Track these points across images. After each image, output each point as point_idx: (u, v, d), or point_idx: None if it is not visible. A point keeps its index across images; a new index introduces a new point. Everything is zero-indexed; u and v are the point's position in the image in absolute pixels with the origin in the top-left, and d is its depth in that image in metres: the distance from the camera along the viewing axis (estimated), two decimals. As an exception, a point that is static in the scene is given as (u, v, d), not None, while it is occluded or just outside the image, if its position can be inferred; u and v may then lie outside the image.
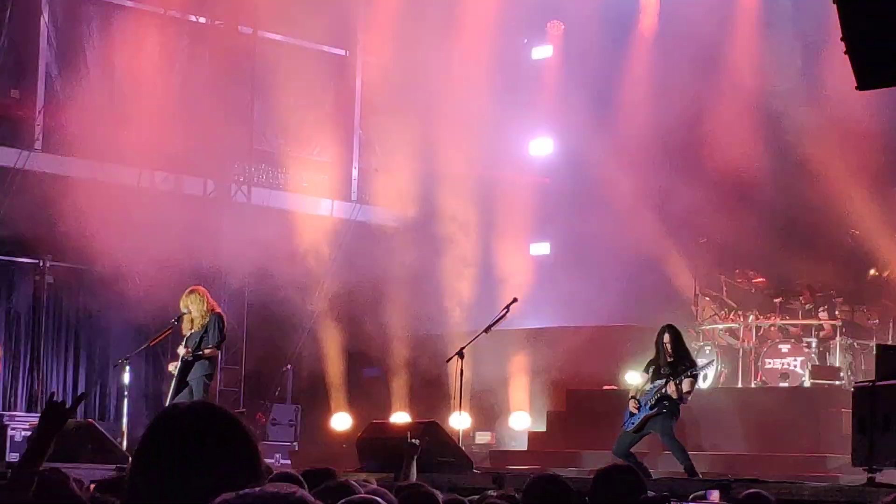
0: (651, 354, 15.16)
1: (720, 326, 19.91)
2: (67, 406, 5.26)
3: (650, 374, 14.95)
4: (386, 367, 21.93)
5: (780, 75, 21.14)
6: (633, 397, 15.00)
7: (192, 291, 16.09)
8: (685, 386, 14.66)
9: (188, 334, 15.83)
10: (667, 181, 21.25)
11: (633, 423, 14.83)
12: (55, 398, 5.29)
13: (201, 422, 2.96)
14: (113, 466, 13.09)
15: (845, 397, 15.93)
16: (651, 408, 14.69)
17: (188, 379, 15.70)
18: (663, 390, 14.64)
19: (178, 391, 15.76)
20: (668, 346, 14.87)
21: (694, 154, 21.37)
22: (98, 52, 21.17)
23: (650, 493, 5.52)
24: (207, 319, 15.84)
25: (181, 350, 15.80)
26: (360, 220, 23.81)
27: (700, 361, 14.85)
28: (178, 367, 15.74)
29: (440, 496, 6.58)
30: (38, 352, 21.41)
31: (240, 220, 22.16)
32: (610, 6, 23.19)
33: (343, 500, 5.25)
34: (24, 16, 21.08)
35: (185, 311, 15.89)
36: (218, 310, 16.05)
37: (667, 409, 14.68)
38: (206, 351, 15.71)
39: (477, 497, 8.40)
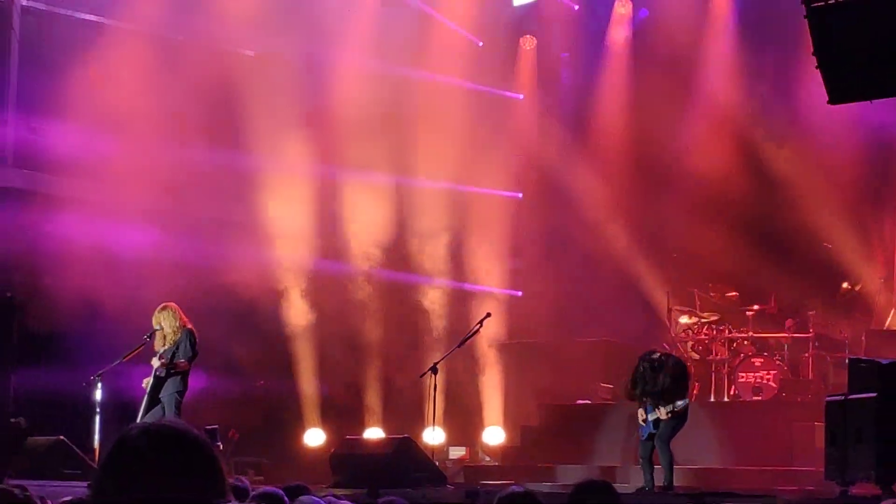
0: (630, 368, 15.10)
1: (692, 340, 19.95)
2: (24, 426, 5.25)
3: (638, 392, 14.87)
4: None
5: (753, 89, 21.21)
6: (639, 405, 14.90)
7: (164, 308, 16.08)
8: (663, 416, 14.66)
9: (160, 350, 15.80)
10: (639, 195, 21.30)
11: (643, 435, 14.82)
12: (11, 419, 5.29)
13: (159, 444, 2.93)
14: (85, 484, 13.03)
15: (818, 411, 15.97)
16: (654, 427, 14.69)
17: (160, 396, 15.66)
18: (657, 415, 14.66)
19: (149, 407, 15.73)
20: (648, 375, 14.80)
21: (667, 168, 21.43)
22: (70, 67, 21.07)
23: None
24: (179, 335, 15.82)
25: (155, 361, 15.75)
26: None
27: (678, 404, 14.75)
28: (150, 383, 15.70)
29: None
30: (9, 369, 21.26)
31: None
32: (580, 19, 23.27)
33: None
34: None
35: (157, 327, 15.87)
36: (190, 325, 16.02)
37: (673, 417, 14.65)
38: (179, 363, 15.69)
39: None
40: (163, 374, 15.69)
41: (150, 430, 2.99)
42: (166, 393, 15.65)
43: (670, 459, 14.58)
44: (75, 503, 6.64)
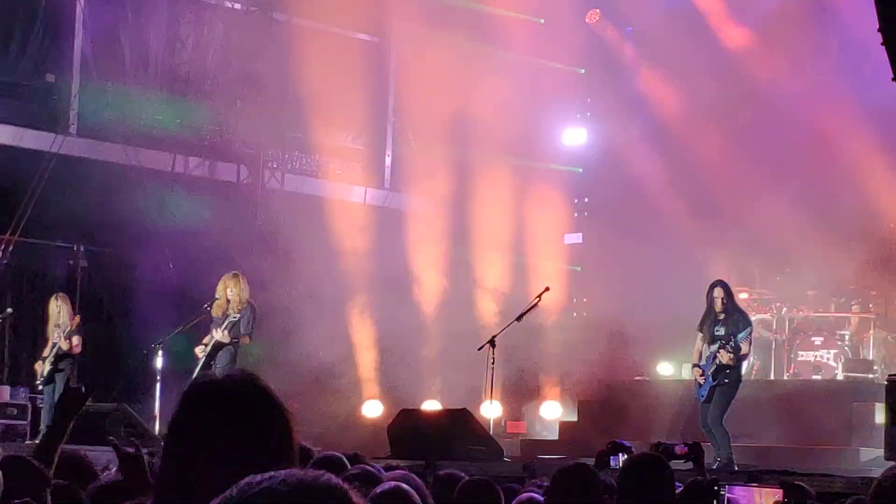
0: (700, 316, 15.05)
1: (753, 318, 19.83)
2: (84, 391, 5.29)
3: (704, 332, 14.86)
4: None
5: (817, 65, 20.99)
6: (695, 365, 14.90)
7: (235, 275, 16.21)
8: (743, 347, 14.58)
9: (218, 317, 15.90)
10: (701, 170, 21.16)
11: (703, 395, 14.77)
12: (70, 385, 5.34)
13: (237, 393, 2.88)
14: (145, 450, 13.13)
15: (878, 390, 15.85)
16: (713, 378, 14.63)
17: (216, 365, 15.77)
18: (717, 359, 14.55)
19: (202, 376, 15.85)
20: (718, 302, 14.78)
21: (730, 142, 21.26)
22: (133, 37, 21.20)
23: (698, 478, 5.49)
24: (244, 308, 15.93)
25: (217, 333, 15.86)
26: (392, 208, 23.81)
27: (740, 336, 14.72)
28: (207, 351, 15.81)
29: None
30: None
31: (273, 206, 22.24)
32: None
33: (376, 490, 5.25)
34: (60, 0, 21.17)
35: (218, 295, 15.96)
36: (253, 301, 16.14)
37: (728, 377, 14.61)
38: (243, 340, 15.83)
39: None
40: (227, 341, 15.80)
41: (232, 380, 2.95)
42: (220, 364, 15.75)
43: (726, 436, 14.52)
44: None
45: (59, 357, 17.33)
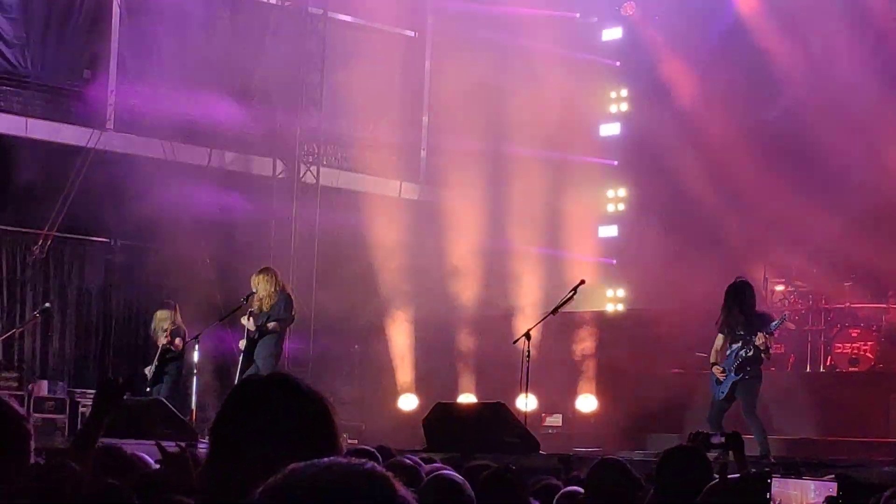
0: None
1: (788, 311, 19.76)
2: (122, 383, 5.32)
3: (726, 333, 14.84)
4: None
5: (861, 63, 20.82)
6: (714, 363, 14.88)
7: (261, 271, 16.23)
8: (760, 343, 14.53)
9: (256, 312, 15.94)
10: (737, 163, 21.08)
11: (723, 393, 14.73)
12: (109, 377, 5.36)
13: (281, 391, 2.96)
14: (183, 444, 13.19)
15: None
16: (736, 373, 14.60)
17: (255, 357, 15.81)
18: (742, 353, 14.54)
19: (244, 369, 15.88)
20: (738, 302, 14.75)
21: (764, 136, 21.20)
22: (169, 32, 21.28)
23: (752, 470, 5.49)
24: (276, 299, 15.96)
25: (245, 321, 15.91)
26: (428, 202, 23.84)
27: (773, 323, 14.72)
28: (245, 344, 15.87)
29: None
30: (109, 331, 21.62)
31: (309, 201, 22.31)
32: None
33: (430, 476, 5.29)
34: (97, -4, 21.30)
35: (254, 289, 16.02)
36: (288, 290, 16.15)
37: (750, 373, 14.58)
38: (270, 325, 15.80)
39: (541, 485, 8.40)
40: (255, 337, 15.84)
41: (273, 380, 3.02)
42: (262, 354, 15.80)
43: (761, 427, 14.49)
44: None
45: (165, 359, 17.45)
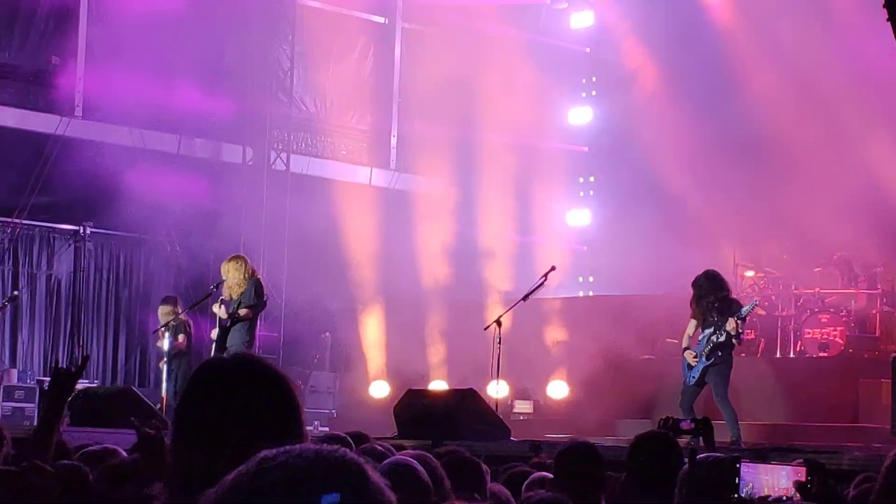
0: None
1: (759, 296, 19.82)
2: (73, 370, 5.30)
3: (698, 319, 14.86)
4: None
5: (824, 41, 20.90)
6: (686, 348, 14.90)
7: (232, 258, 16.16)
8: (731, 329, 14.54)
9: (227, 300, 15.89)
10: (707, 149, 21.12)
11: (694, 377, 14.75)
12: (59, 366, 5.32)
13: (244, 373, 2.94)
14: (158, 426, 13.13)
15: (885, 367, 15.85)
16: (707, 358, 14.62)
17: (227, 345, 15.76)
18: (713, 338, 14.56)
19: (217, 357, 15.85)
20: (709, 289, 14.78)
21: (733, 122, 21.23)
22: (137, 19, 21.18)
23: (720, 455, 5.49)
24: (246, 286, 15.91)
25: (216, 308, 15.87)
26: (398, 189, 23.82)
27: (744, 308, 14.75)
28: (217, 333, 15.83)
29: (480, 462, 6.59)
30: (79, 318, 21.55)
31: (279, 187, 22.26)
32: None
33: (386, 462, 5.28)
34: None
35: (224, 277, 15.97)
36: (257, 276, 16.10)
37: (721, 358, 14.61)
38: (241, 312, 15.75)
39: (509, 472, 8.39)
40: (227, 324, 15.80)
41: (237, 360, 3.00)
42: (234, 342, 15.74)
43: (733, 413, 14.53)
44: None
45: (171, 356, 17.37)
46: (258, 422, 2.84)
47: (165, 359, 17.29)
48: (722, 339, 14.54)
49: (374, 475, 2.02)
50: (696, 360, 14.68)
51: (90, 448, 6.56)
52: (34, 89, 21.12)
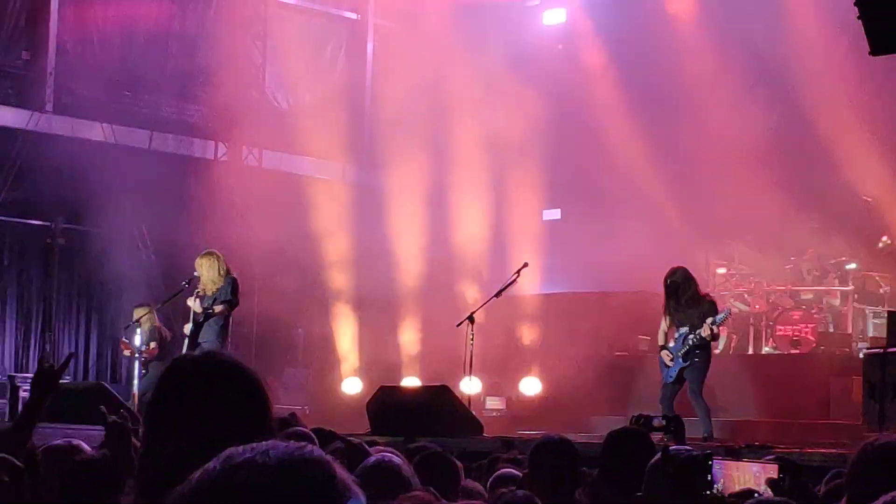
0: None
1: (730, 293, 19.87)
2: (56, 368, 5.29)
3: (671, 315, 14.82)
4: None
5: (792, 41, 20.95)
6: (663, 347, 14.89)
7: (206, 254, 16.09)
8: (707, 335, 14.53)
9: (202, 296, 15.83)
10: (680, 147, 21.14)
11: (671, 377, 14.74)
12: (45, 363, 5.30)
13: (214, 370, 2.94)
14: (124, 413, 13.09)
15: (856, 364, 15.91)
16: (684, 360, 14.61)
17: (200, 340, 15.71)
18: (690, 339, 14.55)
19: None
20: (681, 288, 14.76)
21: (702, 120, 21.25)
22: (109, 14, 21.09)
23: (693, 451, 5.48)
24: (221, 283, 15.85)
25: (191, 302, 15.82)
26: (371, 184, 23.78)
27: (718, 317, 14.73)
28: (191, 328, 15.77)
29: (452, 458, 6.57)
30: (50, 314, 21.46)
31: (251, 183, 22.19)
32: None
33: (365, 462, 5.26)
34: (35, -23, 21.07)
35: (198, 272, 15.91)
36: (233, 273, 16.05)
37: (698, 357, 14.59)
38: (216, 308, 15.70)
39: (487, 461, 8.39)
40: (201, 320, 15.75)
41: (204, 359, 3.00)
42: (206, 338, 15.69)
43: (707, 410, 14.54)
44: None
45: (146, 363, 17.61)
46: (227, 418, 2.83)
47: (137, 354, 17.29)
48: (697, 340, 14.54)
49: (342, 473, 2.00)
50: (673, 361, 14.68)
51: (53, 444, 6.49)
52: (4, 84, 21.01)
